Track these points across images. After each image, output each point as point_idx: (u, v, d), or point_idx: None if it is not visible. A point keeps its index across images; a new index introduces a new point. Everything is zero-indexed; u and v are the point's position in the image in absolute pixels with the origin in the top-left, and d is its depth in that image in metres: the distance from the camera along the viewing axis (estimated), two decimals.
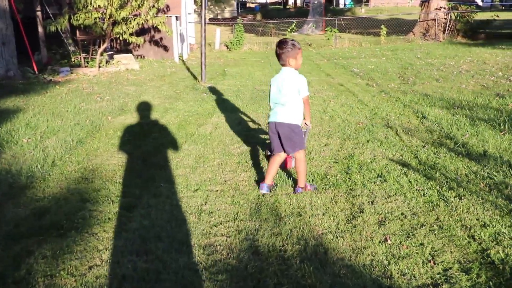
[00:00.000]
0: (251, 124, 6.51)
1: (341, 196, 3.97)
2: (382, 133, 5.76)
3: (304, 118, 4.15)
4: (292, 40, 4.02)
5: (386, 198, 3.89)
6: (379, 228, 3.38)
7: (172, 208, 3.86)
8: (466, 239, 3.19)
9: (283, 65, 4.01)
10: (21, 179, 4.52)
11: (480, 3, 47.11)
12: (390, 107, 7.08)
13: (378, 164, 4.69)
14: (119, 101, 8.15)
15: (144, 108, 7.60)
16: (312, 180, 4.34)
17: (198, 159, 5.07)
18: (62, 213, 3.80)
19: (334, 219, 3.54)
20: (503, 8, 44.09)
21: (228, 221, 3.59)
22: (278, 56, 3.99)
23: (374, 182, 4.23)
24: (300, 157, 4.10)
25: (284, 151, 4.16)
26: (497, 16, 18.81)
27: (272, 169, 4.21)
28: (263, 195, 4.06)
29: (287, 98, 3.99)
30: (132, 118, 6.97)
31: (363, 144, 5.34)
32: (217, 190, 4.22)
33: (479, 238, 3.18)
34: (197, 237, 3.35)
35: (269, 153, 4.99)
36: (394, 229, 3.36)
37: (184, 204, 3.93)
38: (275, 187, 4.26)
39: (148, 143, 5.70)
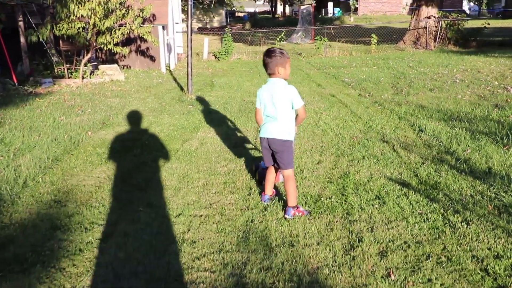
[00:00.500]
0: (239, 139, 6.15)
1: (337, 221, 3.62)
2: (378, 148, 5.43)
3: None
4: (280, 48, 3.84)
5: (386, 224, 3.54)
6: (380, 260, 3.03)
7: (151, 237, 3.48)
8: (479, 273, 2.85)
9: (271, 74, 3.78)
10: None
11: (468, 11, 47.42)
12: (385, 120, 6.77)
13: (375, 183, 4.35)
14: (101, 114, 7.76)
15: (126, 122, 7.22)
16: (305, 203, 3.98)
17: (182, 179, 4.70)
18: (29, 243, 3.42)
19: (330, 250, 3.19)
20: (491, 16, 44.33)
21: (213, 252, 3.23)
22: (266, 65, 3.76)
23: (373, 205, 3.88)
24: (288, 175, 3.82)
25: (277, 165, 3.96)
26: (488, 24, 18.69)
27: (269, 180, 4.07)
28: (252, 220, 3.70)
29: (280, 111, 3.75)
30: (113, 133, 6.58)
31: (358, 161, 5.00)
32: (201, 215, 3.85)
33: (493, 273, 2.84)
34: (178, 273, 2.99)
35: (254, 168, 4.70)
36: (398, 262, 3.01)
37: (164, 232, 3.56)
38: (276, 197, 4.11)
39: (129, 161, 5.33)
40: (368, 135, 6.03)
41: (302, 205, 3.93)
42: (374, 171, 4.69)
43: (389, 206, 3.84)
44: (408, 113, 7.07)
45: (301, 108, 3.75)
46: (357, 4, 47.34)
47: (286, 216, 3.74)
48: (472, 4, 59.57)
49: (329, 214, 3.76)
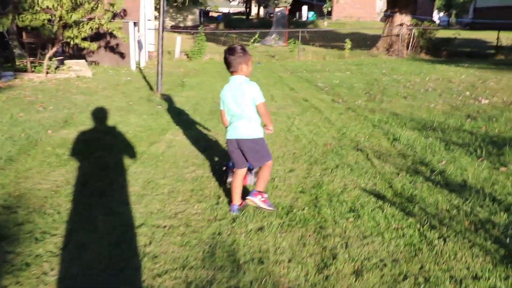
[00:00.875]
0: (209, 143, 5.89)
1: (309, 236, 3.41)
2: (352, 157, 5.27)
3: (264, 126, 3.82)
4: (241, 46, 3.77)
5: (361, 240, 3.35)
6: (355, 281, 2.83)
7: (109, 249, 3.20)
8: None
9: (233, 72, 3.72)
10: None
11: (437, 21, 48.28)
12: (358, 127, 6.62)
13: (349, 195, 4.17)
14: (64, 112, 7.38)
15: (91, 121, 6.86)
16: (277, 214, 3.76)
17: (147, 185, 4.42)
18: None
19: (302, 268, 2.97)
20: (459, 27, 45.22)
21: (176, 269, 2.97)
22: (229, 63, 3.70)
23: (347, 218, 3.69)
24: (268, 164, 3.80)
25: (250, 165, 3.94)
26: (459, 34, 18.96)
27: (236, 187, 3.86)
28: (219, 233, 3.45)
29: (245, 109, 3.67)
30: (76, 132, 6.21)
31: (332, 170, 4.82)
32: (165, 226, 3.58)
33: None
34: None
35: (224, 168, 4.48)
36: (374, 282, 2.82)
37: (124, 244, 3.28)
38: (246, 207, 3.85)
39: (91, 163, 5.00)
40: (341, 142, 5.86)
41: (274, 217, 3.70)
42: (348, 181, 4.52)
43: (364, 219, 3.66)
44: (382, 121, 6.95)
45: (261, 105, 3.65)
46: (331, 8, 47.60)
47: (247, 197, 3.71)
48: (441, 14, 60.80)
49: (301, 227, 3.55)
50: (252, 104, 3.66)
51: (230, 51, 3.70)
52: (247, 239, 3.35)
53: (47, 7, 9.96)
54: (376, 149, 5.58)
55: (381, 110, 7.81)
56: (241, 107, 3.67)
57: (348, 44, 18.12)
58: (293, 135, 6.22)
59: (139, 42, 14.95)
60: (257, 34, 19.41)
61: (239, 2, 61.26)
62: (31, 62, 11.19)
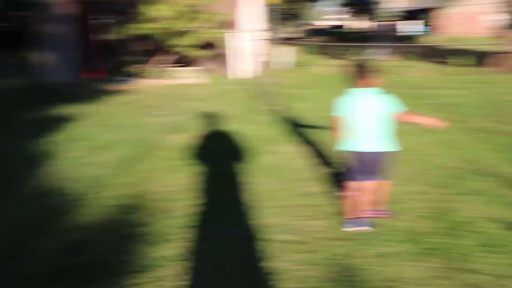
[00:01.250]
0: (324, 157, 5.62)
1: (444, 268, 3.03)
2: (487, 183, 4.69)
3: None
4: (368, 61, 3.70)
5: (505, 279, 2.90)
6: None
7: (227, 261, 3.11)
8: None
9: (365, 86, 3.57)
10: (63, 202, 3.98)
11: None
12: (491, 151, 5.94)
13: (490, 226, 3.67)
14: (178, 117, 7.61)
15: (203, 128, 6.93)
16: (411, 239, 3.42)
17: (263, 196, 4.30)
18: (100, 249, 3.19)
19: None
20: None
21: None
22: (360, 78, 3.58)
23: (486, 253, 3.24)
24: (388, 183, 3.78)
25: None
26: None
27: (365, 202, 3.65)
28: (348, 255, 3.20)
29: (379, 121, 3.52)
30: (190, 138, 6.28)
31: (466, 196, 4.32)
32: (286, 241, 3.43)
33: None
34: None
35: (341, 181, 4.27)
36: None
37: (245, 257, 3.16)
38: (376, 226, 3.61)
39: (207, 170, 5.04)
40: (473, 166, 5.29)
41: (408, 242, 3.38)
42: (487, 210, 4.00)
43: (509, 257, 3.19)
44: None
45: (403, 114, 3.54)
46: (438, 22, 45.21)
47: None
48: None
49: (436, 257, 3.18)
50: (386, 115, 3.51)
51: (359, 67, 3.62)
52: (381, 265, 3.07)
53: (161, 17, 10.42)
54: None
55: None
56: (374, 119, 3.51)
57: (467, 60, 16.91)
58: (419, 155, 5.76)
59: (248, 52, 15.13)
60: (364, 48, 18.85)
61: (351, 16, 60.51)
62: (144, 69, 11.75)
